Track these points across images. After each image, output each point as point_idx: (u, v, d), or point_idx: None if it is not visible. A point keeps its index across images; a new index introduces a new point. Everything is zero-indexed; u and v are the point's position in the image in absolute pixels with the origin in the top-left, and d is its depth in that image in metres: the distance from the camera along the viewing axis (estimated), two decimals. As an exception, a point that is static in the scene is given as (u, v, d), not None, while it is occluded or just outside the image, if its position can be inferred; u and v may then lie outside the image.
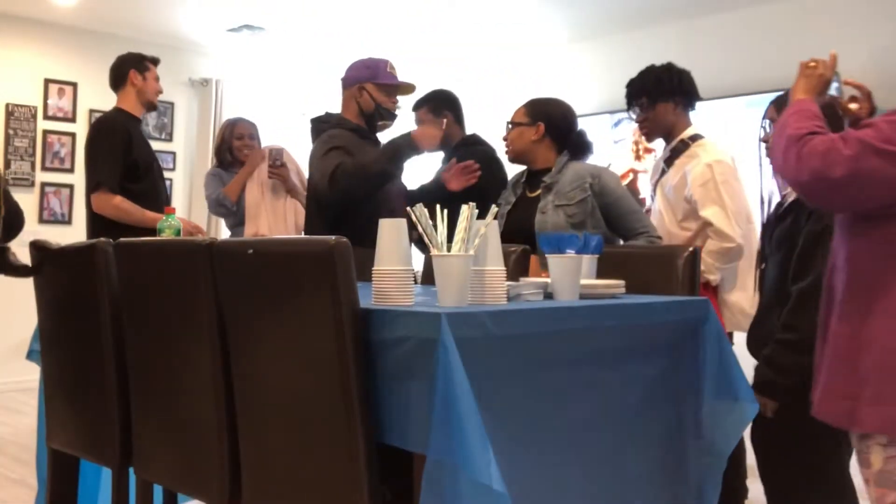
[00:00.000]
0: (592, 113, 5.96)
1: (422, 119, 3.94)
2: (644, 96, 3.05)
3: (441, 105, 3.85)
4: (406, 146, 3.07)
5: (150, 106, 3.89)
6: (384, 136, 3.36)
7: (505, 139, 3.08)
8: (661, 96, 3.01)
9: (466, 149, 3.68)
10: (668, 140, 3.08)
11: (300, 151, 4.19)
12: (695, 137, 3.00)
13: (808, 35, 4.95)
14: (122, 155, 3.64)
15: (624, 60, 5.71)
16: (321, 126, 3.28)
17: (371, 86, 3.25)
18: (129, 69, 3.80)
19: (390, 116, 3.33)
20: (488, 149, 3.75)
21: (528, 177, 3.06)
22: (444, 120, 3.53)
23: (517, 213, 2.99)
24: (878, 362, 1.58)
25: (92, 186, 3.67)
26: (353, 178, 3.02)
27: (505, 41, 6.41)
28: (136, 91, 3.80)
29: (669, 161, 3.04)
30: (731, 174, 2.90)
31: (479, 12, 5.67)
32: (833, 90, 1.88)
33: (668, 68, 3.05)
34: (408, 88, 3.37)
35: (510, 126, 3.05)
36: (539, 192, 2.93)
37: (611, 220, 2.84)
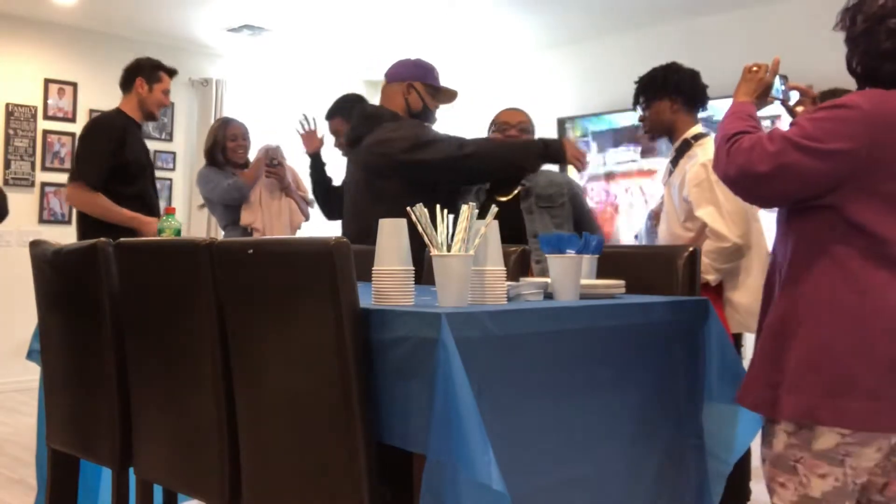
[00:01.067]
0: (594, 113, 5.97)
1: (337, 130, 3.86)
2: (642, 95, 3.07)
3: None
4: (554, 151, 3.00)
5: (150, 116, 3.83)
6: None
7: None
8: (656, 94, 3.03)
9: None
10: (671, 139, 3.08)
11: (299, 151, 4.20)
12: (698, 136, 2.99)
13: (808, 34, 4.95)
14: (113, 155, 3.60)
15: (628, 60, 5.72)
16: (375, 117, 3.15)
17: (420, 85, 3.19)
18: (137, 76, 3.75)
19: (433, 119, 3.26)
20: None
21: (495, 183, 3.14)
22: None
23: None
24: (799, 352, 1.63)
25: (70, 177, 3.63)
26: (488, 155, 2.97)
27: (496, 46, 6.41)
28: (138, 99, 3.77)
29: (675, 161, 3.04)
30: None
31: (472, 18, 5.67)
32: (779, 93, 1.98)
33: (667, 67, 3.05)
34: (451, 95, 3.30)
35: (522, 130, 3.15)
36: (512, 195, 3.05)
37: (576, 226, 3.11)
